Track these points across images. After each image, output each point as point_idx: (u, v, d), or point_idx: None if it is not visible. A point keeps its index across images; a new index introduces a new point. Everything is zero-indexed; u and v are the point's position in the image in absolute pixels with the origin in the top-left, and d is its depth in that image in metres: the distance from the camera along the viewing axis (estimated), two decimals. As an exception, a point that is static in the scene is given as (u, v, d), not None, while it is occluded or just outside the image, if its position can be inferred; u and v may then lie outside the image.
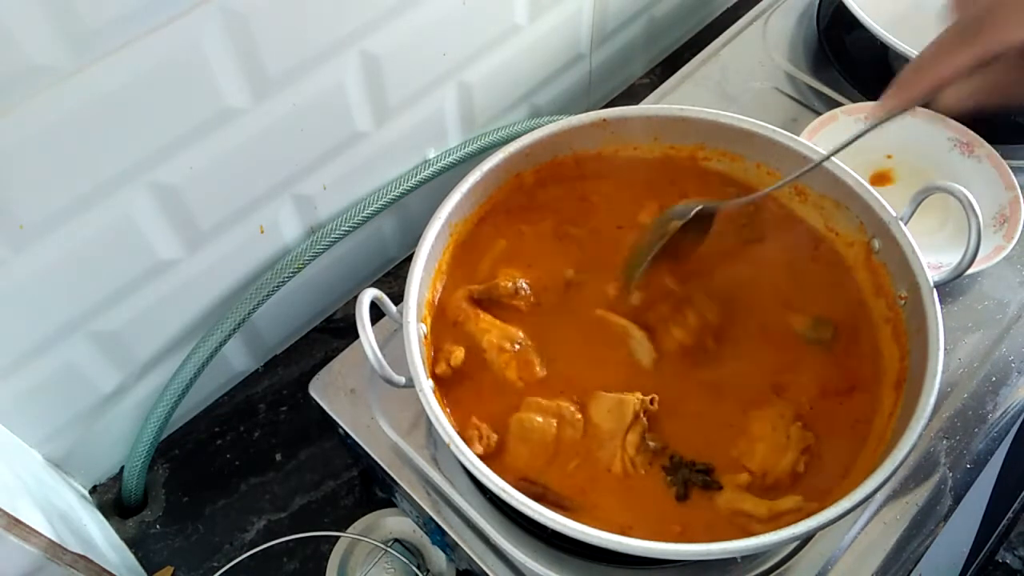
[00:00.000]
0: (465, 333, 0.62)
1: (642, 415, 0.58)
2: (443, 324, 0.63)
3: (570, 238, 0.67)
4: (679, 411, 0.59)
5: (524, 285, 0.64)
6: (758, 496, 0.55)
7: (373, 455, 0.63)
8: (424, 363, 0.56)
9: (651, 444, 0.57)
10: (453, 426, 0.54)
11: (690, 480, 0.56)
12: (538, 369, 0.61)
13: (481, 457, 0.53)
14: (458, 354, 0.60)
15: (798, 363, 0.61)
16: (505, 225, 0.67)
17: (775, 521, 0.53)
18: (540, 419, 0.58)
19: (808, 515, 0.49)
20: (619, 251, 0.65)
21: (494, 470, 0.52)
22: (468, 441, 0.56)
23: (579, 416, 0.59)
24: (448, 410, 0.58)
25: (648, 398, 0.58)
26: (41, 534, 0.51)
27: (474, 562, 0.60)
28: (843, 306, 0.63)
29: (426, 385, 0.54)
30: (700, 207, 0.60)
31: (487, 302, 0.63)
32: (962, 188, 0.56)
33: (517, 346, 0.61)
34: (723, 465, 0.57)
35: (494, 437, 0.57)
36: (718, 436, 0.58)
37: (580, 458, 0.58)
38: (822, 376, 0.61)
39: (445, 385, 0.60)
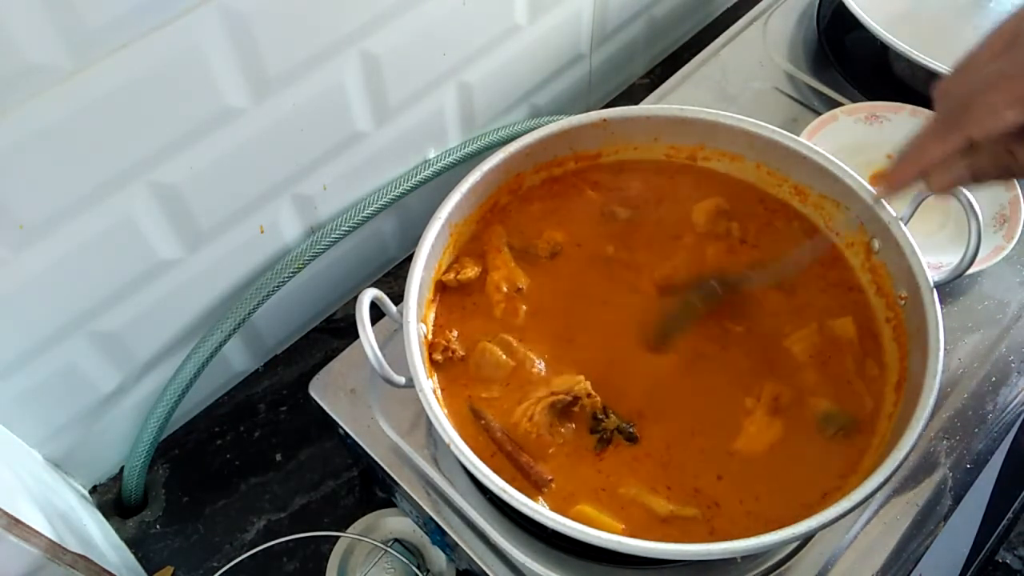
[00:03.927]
0: (484, 261, 0.66)
1: (578, 399, 0.59)
2: (474, 247, 0.67)
3: (616, 218, 0.69)
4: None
5: (561, 251, 0.67)
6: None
7: (373, 455, 0.63)
8: (424, 363, 0.56)
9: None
10: (431, 330, 0.61)
11: (613, 428, 0.58)
12: (519, 319, 0.64)
13: (435, 363, 0.60)
14: (469, 272, 0.64)
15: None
16: (564, 191, 0.70)
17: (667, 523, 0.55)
18: (503, 356, 0.61)
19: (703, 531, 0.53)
20: (663, 242, 0.67)
21: (440, 377, 0.60)
22: (434, 347, 0.61)
23: (536, 369, 0.61)
24: (435, 311, 0.64)
25: (587, 393, 0.59)
26: (41, 534, 0.51)
27: (474, 562, 0.60)
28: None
29: (426, 385, 0.54)
30: (719, 283, 0.62)
31: (521, 251, 0.67)
32: (962, 188, 0.56)
33: (515, 292, 0.65)
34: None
35: (460, 353, 0.61)
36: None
37: (510, 392, 0.60)
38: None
39: (446, 292, 0.65)
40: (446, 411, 0.57)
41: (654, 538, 0.50)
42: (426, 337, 0.61)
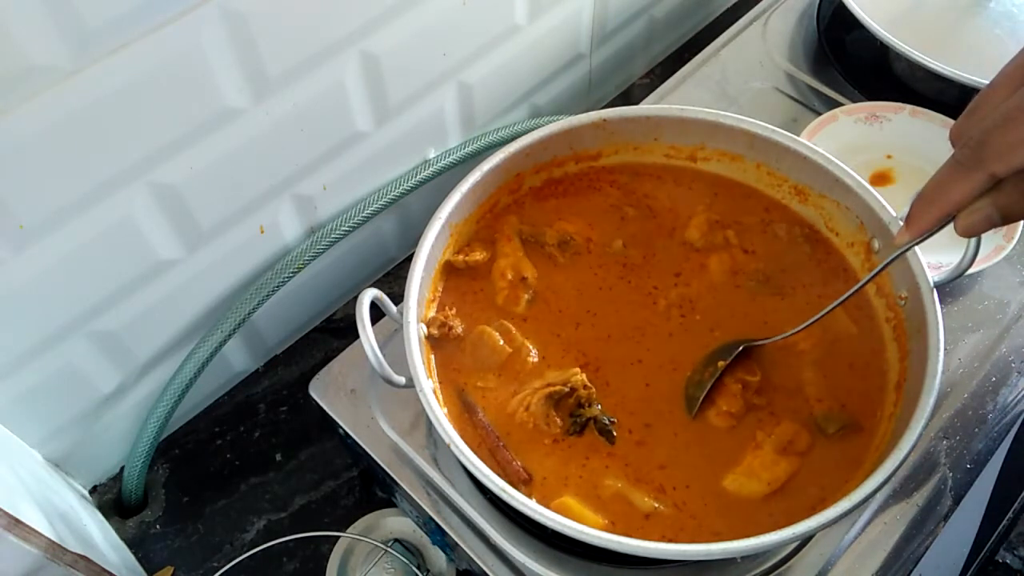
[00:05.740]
0: (494, 248, 0.67)
1: (574, 391, 0.59)
2: (486, 234, 0.67)
3: (628, 217, 0.69)
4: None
5: (570, 241, 0.67)
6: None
7: (373, 455, 0.63)
8: (424, 363, 0.56)
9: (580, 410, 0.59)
10: (436, 315, 0.62)
11: (590, 417, 0.58)
12: (520, 307, 0.64)
13: (432, 338, 0.61)
14: (478, 256, 0.65)
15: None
16: (576, 189, 0.71)
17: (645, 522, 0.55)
18: (500, 342, 0.61)
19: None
20: (669, 244, 0.68)
21: (436, 355, 0.61)
22: (431, 322, 0.61)
23: (531, 359, 0.61)
24: (441, 287, 0.64)
25: (584, 384, 0.59)
26: (41, 534, 0.51)
27: (474, 562, 0.60)
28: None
29: (426, 385, 0.54)
30: (743, 346, 0.61)
31: (531, 241, 0.67)
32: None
33: (520, 280, 0.65)
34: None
35: (457, 331, 0.61)
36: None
37: (503, 381, 0.60)
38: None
39: (453, 272, 0.65)
40: (446, 410, 0.57)
41: (648, 536, 0.50)
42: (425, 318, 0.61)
